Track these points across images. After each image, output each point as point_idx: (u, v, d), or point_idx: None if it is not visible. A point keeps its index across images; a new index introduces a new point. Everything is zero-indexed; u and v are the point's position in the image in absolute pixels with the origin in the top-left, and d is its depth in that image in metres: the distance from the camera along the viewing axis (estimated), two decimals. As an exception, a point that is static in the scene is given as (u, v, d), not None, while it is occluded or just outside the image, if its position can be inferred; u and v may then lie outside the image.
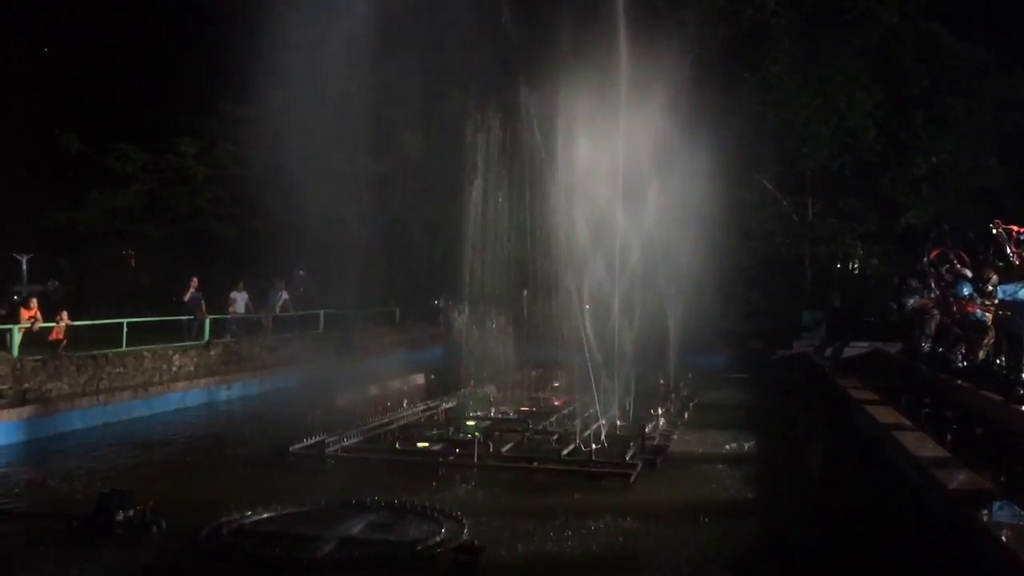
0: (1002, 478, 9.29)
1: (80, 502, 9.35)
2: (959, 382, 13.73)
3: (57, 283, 30.10)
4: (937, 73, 29.15)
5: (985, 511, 7.73)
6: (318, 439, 12.72)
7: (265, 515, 9.00)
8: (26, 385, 14.67)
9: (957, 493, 8.40)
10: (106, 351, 16.89)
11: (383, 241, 33.06)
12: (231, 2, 32.19)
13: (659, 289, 19.14)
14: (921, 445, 10.75)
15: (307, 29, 30.50)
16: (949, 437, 11.39)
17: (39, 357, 15.54)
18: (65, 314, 17.78)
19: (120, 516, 8.69)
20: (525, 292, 19.88)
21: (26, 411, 14.24)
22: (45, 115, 29.77)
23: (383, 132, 30.90)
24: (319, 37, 29.82)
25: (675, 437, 14.06)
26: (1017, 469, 9.63)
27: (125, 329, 17.89)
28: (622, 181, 17.50)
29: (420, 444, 13.28)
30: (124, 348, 17.47)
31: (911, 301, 17.07)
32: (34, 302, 17.55)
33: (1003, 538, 7.01)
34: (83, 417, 15.30)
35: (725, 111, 25.18)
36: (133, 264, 36.98)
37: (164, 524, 8.68)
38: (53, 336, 17.12)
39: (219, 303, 22.55)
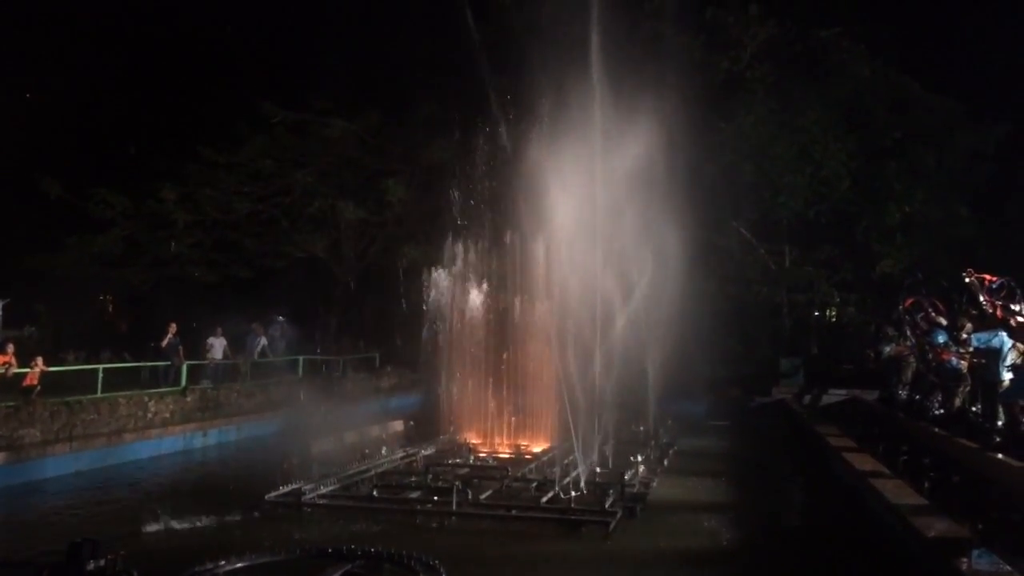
0: (979, 526, 9.32)
1: (51, 551, 9.15)
2: (936, 430, 13.83)
3: (34, 329, 29.75)
4: (909, 124, 29.78)
5: (964, 559, 7.75)
6: (295, 487, 12.57)
7: (239, 564, 8.84)
8: (-2, 432, 14.45)
9: (936, 541, 8.42)
10: (80, 397, 16.68)
11: (363, 287, 33.13)
12: (210, 48, 32.58)
13: (638, 336, 19.20)
14: (899, 493, 10.78)
15: (286, 76, 30.91)
16: (927, 484, 11.45)
17: (12, 403, 15.30)
18: (40, 360, 17.56)
19: (91, 566, 8.49)
20: (505, 339, 19.87)
21: (-3, 458, 14.01)
22: (26, 160, 29.72)
23: (365, 178, 31.17)
24: (299, 84, 30.20)
25: (655, 484, 14.00)
26: (994, 516, 9.67)
27: (100, 375, 17.67)
28: (601, 228, 17.66)
29: (398, 491, 13.15)
30: (99, 394, 17.24)
31: (887, 349, 17.25)
32: (10, 347, 17.33)
33: (981, 586, 7.04)
34: (55, 464, 15.06)
35: (702, 160, 25.57)
36: (111, 309, 36.69)
37: (136, 574, 8.51)
38: (27, 382, 16.89)
39: (198, 349, 22.36)
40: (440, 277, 19.39)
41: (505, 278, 19.40)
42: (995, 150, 29.26)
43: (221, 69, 32.18)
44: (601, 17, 17.58)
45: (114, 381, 18.20)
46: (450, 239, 19.55)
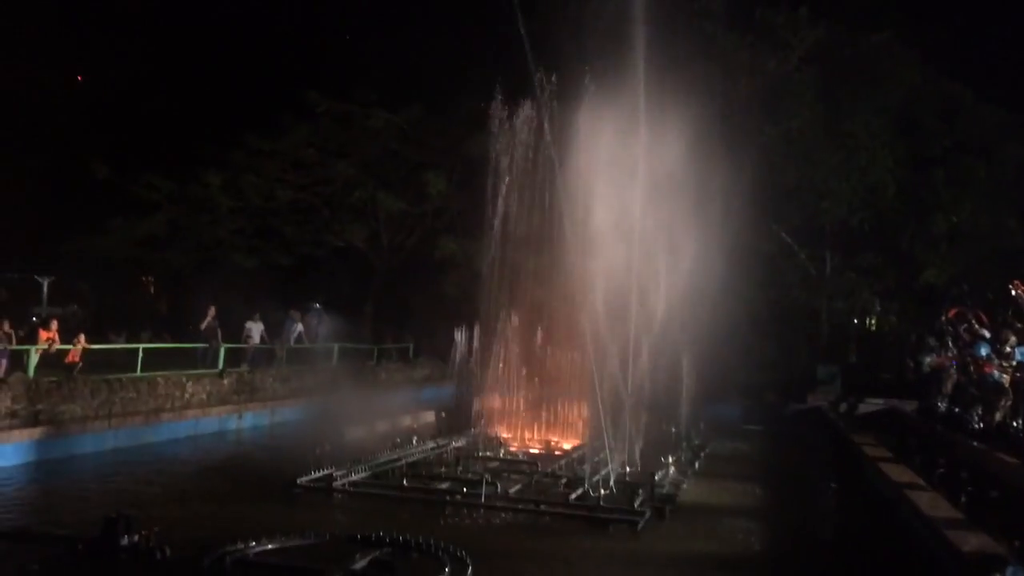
0: (1016, 543, 9.14)
1: (86, 525, 9.34)
2: (975, 443, 13.56)
3: (76, 307, 30.35)
4: (958, 133, 29.23)
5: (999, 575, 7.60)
6: (326, 472, 12.69)
7: (269, 546, 8.94)
8: (39, 406, 14.74)
9: (971, 556, 8.26)
10: (120, 375, 16.98)
11: (400, 278, 33.32)
12: (256, 37, 32.94)
13: (674, 336, 19.08)
14: (935, 506, 10.59)
15: (330, 67, 31.11)
16: (963, 499, 11.24)
17: (54, 379, 15.61)
18: (82, 337, 17.89)
19: (125, 541, 8.68)
20: (540, 334, 19.85)
21: (38, 432, 14.29)
22: (76, 141, 30.29)
23: (406, 170, 31.29)
24: (343, 75, 30.39)
25: (685, 486, 13.93)
26: (1032, 533, 9.47)
27: (140, 354, 17.97)
28: (642, 228, 17.57)
29: (428, 482, 13.22)
30: (139, 373, 17.54)
31: (928, 359, 16.95)
32: (54, 324, 17.66)
33: (1016, 604, 6.89)
34: (94, 440, 15.34)
35: (746, 163, 25.31)
36: (152, 291, 37.30)
37: (168, 551, 8.65)
38: (69, 359, 17.20)
39: (236, 332, 22.64)
40: (477, 268, 19.40)
41: (542, 276, 19.38)
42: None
43: (267, 58, 32.53)
44: (648, 14, 17.46)
45: (153, 361, 18.49)
46: (488, 235, 19.53)
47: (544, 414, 19.11)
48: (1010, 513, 10.34)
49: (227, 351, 20.78)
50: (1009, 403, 13.71)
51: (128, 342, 20.77)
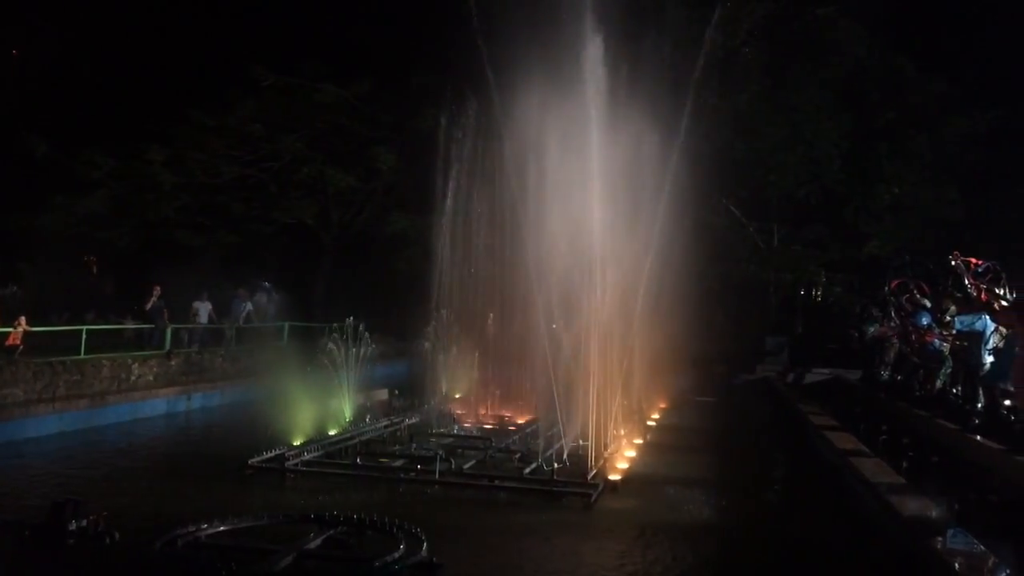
0: (956, 506, 9.44)
1: (33, 511, 9.16)
2: (916, 410, 13.96)
3: (16, 288, 29.50)
4: (902, 106, 29.76)
5: (939, 538, 7.84)
6: (278, 452, 12.59)
7: (221, 528, 8.85)
8: (-20, 391, 14.38)
9: (912, 520, 8.52)
10: (64, 358, 16.61)
11: (351, 255, 33.01)
12: (201, 9, 32.12)
13: (626, 310, 19.19)
14: (878, 471, 10.89)
15: (277, 39, 30.48)
16: (905, 464, 11.58)
17: (-6, 363, 15.24)
18: (23, 319, 17.42)
19: (73, 526, 8.52)
20: (491, 311, 19.86)
21: (-21, 417, 13.96)
22: (12, 117, 29.32)
23: (355, 146, 30.88)
24: (290, 48, 29.81)
25: (637, 458, 14.11)
26: (971, 497, 9.80)
27: (84, 336, 17.57)
28: (592, 203, 17.57)
29: (382, 459, 13.19)
30: (83, 355, 17.16)
31: (871, 329, 17.35)
32: (-8, 306, 17.19)
33: (956, 565, 7.12)
34: (38, 425, 15.02)
35: (694, 137, 25.45)
36: (95, 270, 36.40)
37: (118, 535, 8.52)
38: (10, 342, 16.75)
39: (183, 312, 22.25)
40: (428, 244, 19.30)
41: (493, 248, 19.34)
42: (987, 134, 29.28)
43: (212, 30, 31.73)
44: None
45: (98, 343, 18.09)
46: (438, 211, 19.43)
47: (497, 390, 19.16)
48: (950, 477, 10.69)
49: (174, 331, 20.42)
50: (949, 371, 14.13)
51: (71, 323, 20.29)
